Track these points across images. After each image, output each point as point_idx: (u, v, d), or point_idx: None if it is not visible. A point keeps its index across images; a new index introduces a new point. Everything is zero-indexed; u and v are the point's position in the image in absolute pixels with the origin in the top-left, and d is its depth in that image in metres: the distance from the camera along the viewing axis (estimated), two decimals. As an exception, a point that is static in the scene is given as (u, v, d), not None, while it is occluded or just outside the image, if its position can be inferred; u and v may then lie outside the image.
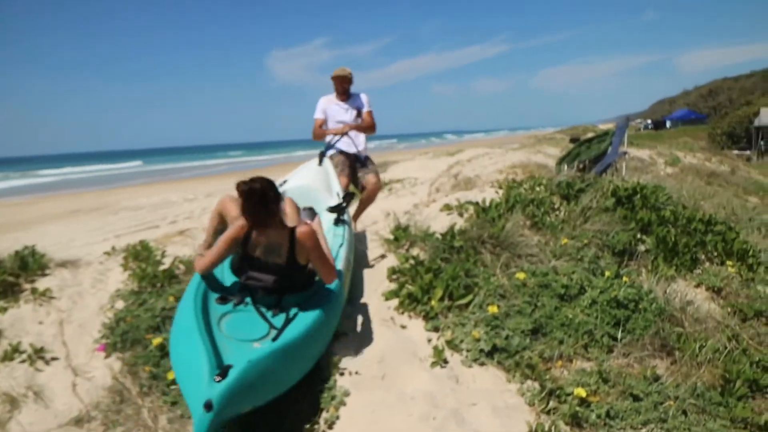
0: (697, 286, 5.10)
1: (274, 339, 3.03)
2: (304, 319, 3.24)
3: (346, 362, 3.51)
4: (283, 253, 3.38)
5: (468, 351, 3.58)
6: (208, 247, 3.78)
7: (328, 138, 5.69)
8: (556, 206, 5.71)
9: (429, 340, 3.74)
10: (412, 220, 5.33)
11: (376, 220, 6.23)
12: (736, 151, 33.50)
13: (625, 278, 4.38)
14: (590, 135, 13.07)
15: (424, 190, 16.78)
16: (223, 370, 2.50)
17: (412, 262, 4.45)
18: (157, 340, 3.81)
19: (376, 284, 4.46)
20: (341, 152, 5.81)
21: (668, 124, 59.30)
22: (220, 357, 2.79)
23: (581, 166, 11.06)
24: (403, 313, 4.03)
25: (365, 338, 3.77)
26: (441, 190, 15.90)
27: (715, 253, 5.57)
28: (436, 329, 3.82)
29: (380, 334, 3.81)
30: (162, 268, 4.63)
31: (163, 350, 3.73)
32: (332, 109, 5.98)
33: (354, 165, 5.80)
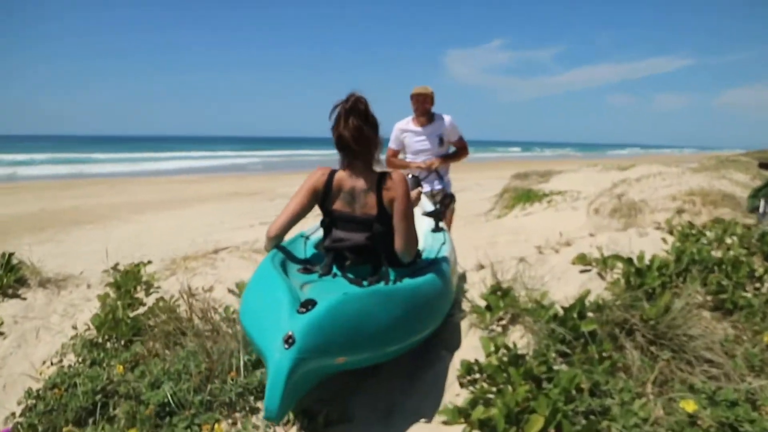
0: None
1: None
2: (415, 280, 2.83)
3: None
4: (372, 202, 2.91)
5: None
6: None
7: (411, 173, 4.90)
8: (757, 274, 3.66)
9: None
10: (526, 274, 3.50)
11: (482, 263, 4.41)
12: None
13: None
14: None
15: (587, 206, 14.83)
16: (305, 303, 2.09)
17: (503, 354, 2.71)
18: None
19: (439, 386, 2.75)
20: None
21: None
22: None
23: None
24: (469, 457, 2.34)
25: None
26: (600, 212, 13.78)
27: None
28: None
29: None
30: (135, 313, 3.16)
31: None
32: (409, 138, 5.40)
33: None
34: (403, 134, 5.42)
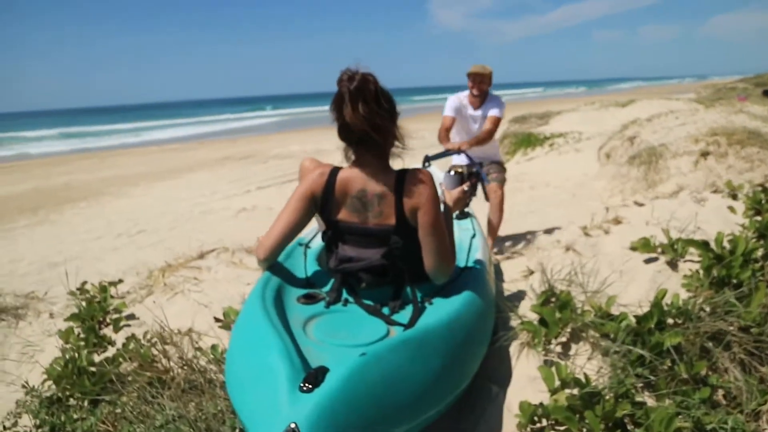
0: None
1: (406, 328, 2.05)
2: (447, 306, 2.18)
3: None
4: (389, 210, 2.29)
5: None
6: None
7: (453, 170, 4.54)
8: None
9: None
10: (578, 271, 2.85)
11: (521, 241, 3.72)
12: None
13: None
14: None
15: (590, 147, 14.19)
16: (311, 375, 1.48)
17: (574, 393, 2.07)
18: None
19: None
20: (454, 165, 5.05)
21: None
22: (307, 363, 1.68)
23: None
24: None
25: None
26: (612, 157, 13.09)
27: None
28: None
29: None
30: (103, 356, 2.52)
31: None
32: (464, 114, 5.26)
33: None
34: (460, 107, 5.24)
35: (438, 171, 4.46)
